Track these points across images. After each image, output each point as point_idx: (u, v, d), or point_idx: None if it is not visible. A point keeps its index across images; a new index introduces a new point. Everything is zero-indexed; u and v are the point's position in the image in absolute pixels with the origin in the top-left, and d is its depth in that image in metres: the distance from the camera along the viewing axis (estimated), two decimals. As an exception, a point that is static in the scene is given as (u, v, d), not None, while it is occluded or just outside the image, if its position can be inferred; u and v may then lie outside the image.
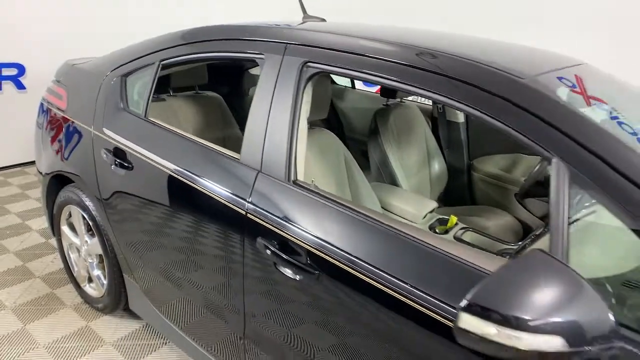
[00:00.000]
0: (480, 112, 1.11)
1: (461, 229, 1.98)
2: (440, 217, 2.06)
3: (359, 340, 1.21)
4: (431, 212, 2.06)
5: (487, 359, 0.89)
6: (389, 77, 1.27)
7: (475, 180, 2.51)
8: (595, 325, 0.75)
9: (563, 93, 1.16)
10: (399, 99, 2.57)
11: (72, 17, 4.24)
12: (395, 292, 1.08)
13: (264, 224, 1.35)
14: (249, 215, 1.39)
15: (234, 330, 1.57)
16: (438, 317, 1.00)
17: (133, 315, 2.30)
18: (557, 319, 0.73)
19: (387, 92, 2.49)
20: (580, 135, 1.00)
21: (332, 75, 2.55)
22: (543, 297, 0.75)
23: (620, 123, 1.15)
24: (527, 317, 0.74)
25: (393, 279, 1.09)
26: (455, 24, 3.14)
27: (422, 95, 1.23)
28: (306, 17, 2.12)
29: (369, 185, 2.03)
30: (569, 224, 0.92)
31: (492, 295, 0.78)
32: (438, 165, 2.50)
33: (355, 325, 1.20)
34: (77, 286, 2.45)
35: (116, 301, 2.21)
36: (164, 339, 2.21)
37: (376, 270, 1.13)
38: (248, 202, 1.40)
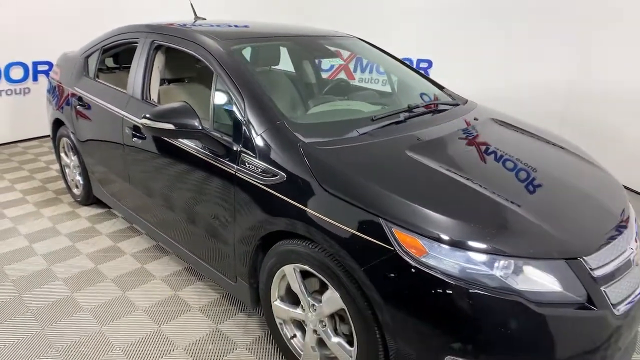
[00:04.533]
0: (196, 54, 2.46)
1: None
2: None
3: (159, 168, 2.60)
4: None
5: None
6: (178, 46, 2.63)
7: None
8: (188, 122, 2.09)
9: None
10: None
11: (89, 25, 5.83)
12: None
13: (129, 119, 2.77)
14: (124, 118, 2.81)
15: (125, 181, 3.00)
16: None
17: (102, 206, 3.79)
18: (174, 120, 2.08)
19: None
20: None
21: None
22: (167, 112, 2.10)
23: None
24: (158, 119, 2.09)
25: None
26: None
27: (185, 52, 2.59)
28: (196, 17, 3.52)
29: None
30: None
31: (153, 111, 2.13)
32: None
33: (161, 161, 2.59)
34: (70, 190, 3.98)
35: (87, 193, 3.70)
36: (115, 215, 3.67)
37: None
38: (124, 111, 2.82)
